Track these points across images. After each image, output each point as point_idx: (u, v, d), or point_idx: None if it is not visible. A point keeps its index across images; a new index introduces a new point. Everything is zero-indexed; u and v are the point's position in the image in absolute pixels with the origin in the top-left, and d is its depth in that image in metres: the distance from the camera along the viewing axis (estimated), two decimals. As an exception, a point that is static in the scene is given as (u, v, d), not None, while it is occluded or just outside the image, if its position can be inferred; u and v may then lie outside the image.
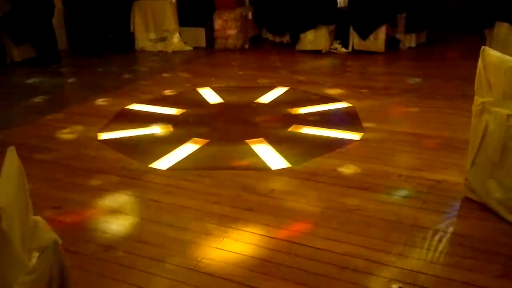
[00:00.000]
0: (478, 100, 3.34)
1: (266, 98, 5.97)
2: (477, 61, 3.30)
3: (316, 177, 3.96)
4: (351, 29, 7.99)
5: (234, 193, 3.76)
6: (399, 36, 8.15)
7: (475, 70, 3.32)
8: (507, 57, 3.22)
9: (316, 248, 3.06)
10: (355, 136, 4.75)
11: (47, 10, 7.81)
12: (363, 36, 7.89)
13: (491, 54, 3.24)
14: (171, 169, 4.21)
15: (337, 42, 8.32)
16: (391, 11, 7.83)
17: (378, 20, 7.79)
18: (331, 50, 8.20)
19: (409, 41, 8.22)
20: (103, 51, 8.63)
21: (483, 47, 3.31)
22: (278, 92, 6.15)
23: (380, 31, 7.87)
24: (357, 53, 8.05)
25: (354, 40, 8.04)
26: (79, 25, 8.54)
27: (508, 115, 3.10)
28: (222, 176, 4.06)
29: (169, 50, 8.65)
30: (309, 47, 8.16)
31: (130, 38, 8.87)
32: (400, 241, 3.09)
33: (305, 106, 5.61)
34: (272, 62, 7.81)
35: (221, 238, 3.19)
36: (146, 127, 5.13)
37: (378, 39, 7.92)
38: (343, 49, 8.21)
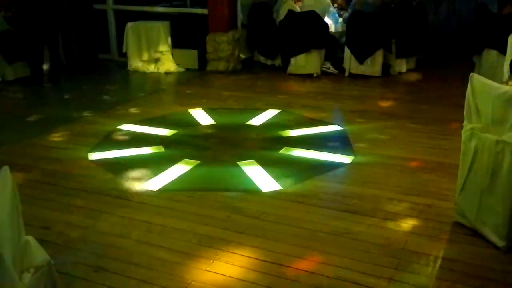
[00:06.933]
0: (467, 125, 3.39)
1: (258, 120, 5.99)
2: (466, 87, 3.36)
3: (307, 200, 3.97)
4: (349, 53, 8.07)
5: (224, 215, 3.76)
6: (389, 61, 8.25)
7: (464, 96, 3.38)
8: (495, 84, 3.28)
9: (306, 271, 3.05)
10: (346, 159, 4.77)
11: (54, 27, 7.84)
12: (361, 60, 7.98)
13: (479, 80, 3.30)
14: (161, 190, 4.20)
15: (329, 62, 8.43)
16: (387, 37, 7.94)
17: (375, 44, 7.89)
18: (323, 68, 8.27)
19: (399, 66, 8.32)
20: (95, 71, 8.65)
21: (471, 73, 3.37)
22: (269, 114, 6.18)
23: (377, 55, 7.96)
24: (349, 77, 8.12)
25: (351, 64, 8.11)
26: (72, 44, 8.57)
27: (497, 141, 3.14)
28: (213, 197, 4.05)
29: (162, 71, 8.68)
30: (300, 70, 8.23)
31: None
32: (391, 266, 3.10)
33: (296, 128, 5.64)
34: (264, 84, 7.86)
35: (211, 261, 3.18)
36: (137, 147, 5.13)
37: (375, 64, 8.01)
38: (334, 70, 8.31)
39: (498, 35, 6.99)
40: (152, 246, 3.36)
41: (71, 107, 6.69)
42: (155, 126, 5.76)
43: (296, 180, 4.34)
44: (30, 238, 1.87)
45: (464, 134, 3.41)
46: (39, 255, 1.78)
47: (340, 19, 8.82)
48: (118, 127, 5.76)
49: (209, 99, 6.99)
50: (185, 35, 8.76)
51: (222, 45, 8.52)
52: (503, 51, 6.56)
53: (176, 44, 8.80)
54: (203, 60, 8.74)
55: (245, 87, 7.71)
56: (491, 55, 7.36)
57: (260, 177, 4.40)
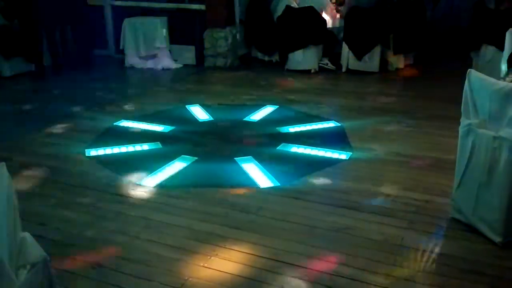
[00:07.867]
0: (464, 121, 3.39)
1: (255, 116, 5.99)
2: (463, 83, 3.36)
3: (304, 196, 3.97)
4: (347, 49, 8.06)
5: (222, 211, 3.76)
6: (387, 57, 8.24)
7: (462, 92, 3.38)
8: (492, 79, 3.28)
9: (303, 267, 3.06)
10: (343, 155, 4.77)
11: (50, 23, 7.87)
12: (359, 56, 7.97)
13: (477, 76, 3.30)
14: (159, 186, 4.20)
15: (327, 59, 8.42)
16: (385, 33, 7.93)
17: (373, 40, 7.88)
18: (321, 64, 8.28)
19: (397, 62, 8.32)
20: (90, 68, 8.64)
21: (469, 69, 3.36)
22: (267, 110, 6.18)
23: (375, 51, 7.96)
24: (346, 73, 8.11)
25: (349, 60, 8.10)
26: (68, 40, 8.56)
27: (494, 137, 3.14)
28: (211, 194, 4.05)
29: (159, 67, 8.67)
30: (298, 66, 8.22)
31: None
32: (388, 261, 3.10)
33: (294, 124, 5.64)
34: (262, 80, 7.85)
35: (209, 257, 3.18)
36: (134, 143, 5.12)
37: (373, 59, 8.00)
38: (332, 66, 8.30)
39: (495, 31, 6.98)
40: (149, 242, 3.36)
41: (68, 103, 6.67)
42: (152, 123, 5.75)
43: (294, 176, 4.34)
44: (26, 234, 1.86)
45: (461, 130, 3.41)
46: (35, 251, 1.77)
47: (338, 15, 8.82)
48: (115, 124, 5.75)
49: (206, 95, 6.98)
50: (183, 31, 8.75)
51: (220, 41, 8.51)
52: (500, 47, 6.56)
53: (174, 40, 8.79)
54: (200, 56, 8.73)
55: (243, 83, 7.70)
56: (488, 50, 7.36)
57: (257, 173, 4.40)
